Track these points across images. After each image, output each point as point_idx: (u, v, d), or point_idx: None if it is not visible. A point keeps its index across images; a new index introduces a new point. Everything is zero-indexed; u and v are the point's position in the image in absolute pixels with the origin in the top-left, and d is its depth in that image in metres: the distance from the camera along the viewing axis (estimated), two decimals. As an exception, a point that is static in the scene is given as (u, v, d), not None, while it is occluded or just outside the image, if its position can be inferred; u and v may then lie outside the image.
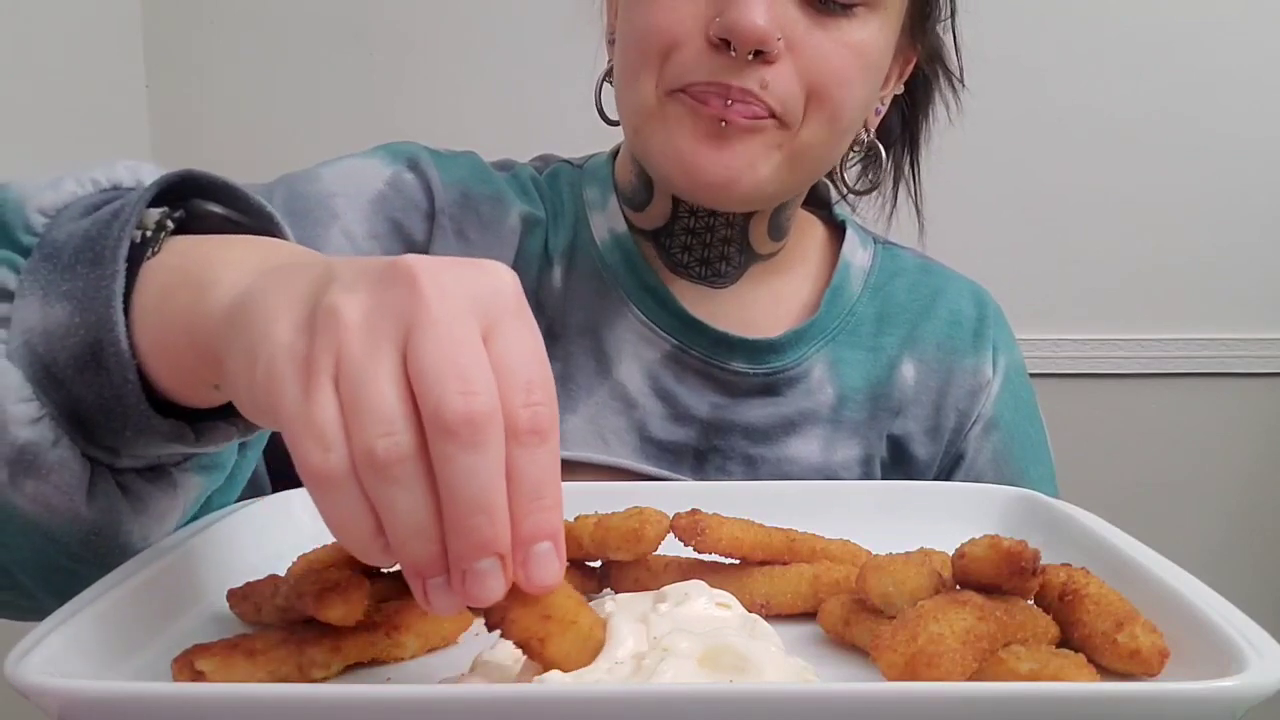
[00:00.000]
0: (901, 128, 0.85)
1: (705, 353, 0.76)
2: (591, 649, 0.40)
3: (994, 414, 0.81)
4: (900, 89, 0.80)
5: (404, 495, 0.35)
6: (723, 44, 0.65)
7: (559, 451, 0.37)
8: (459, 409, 0.34)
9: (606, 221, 0.78)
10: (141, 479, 0.50)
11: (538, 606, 0.38)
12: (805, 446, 0.77)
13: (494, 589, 0.36)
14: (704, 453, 0.76)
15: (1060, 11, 1.68)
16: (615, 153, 0.82)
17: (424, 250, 0.75)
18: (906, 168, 0.86)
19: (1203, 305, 1.75)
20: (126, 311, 0.45)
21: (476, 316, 0.36)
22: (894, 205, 0.87)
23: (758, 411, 0.77)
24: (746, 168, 0.68)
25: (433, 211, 0.76)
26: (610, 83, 0.76)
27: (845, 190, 0.86)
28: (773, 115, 0.67)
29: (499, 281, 0.38)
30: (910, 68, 0.79)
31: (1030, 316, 1.73)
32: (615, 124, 0.77)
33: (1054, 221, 1.73)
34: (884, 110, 0.79)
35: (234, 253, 0.44)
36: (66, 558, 0.48)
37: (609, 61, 0.78)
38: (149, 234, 0.45)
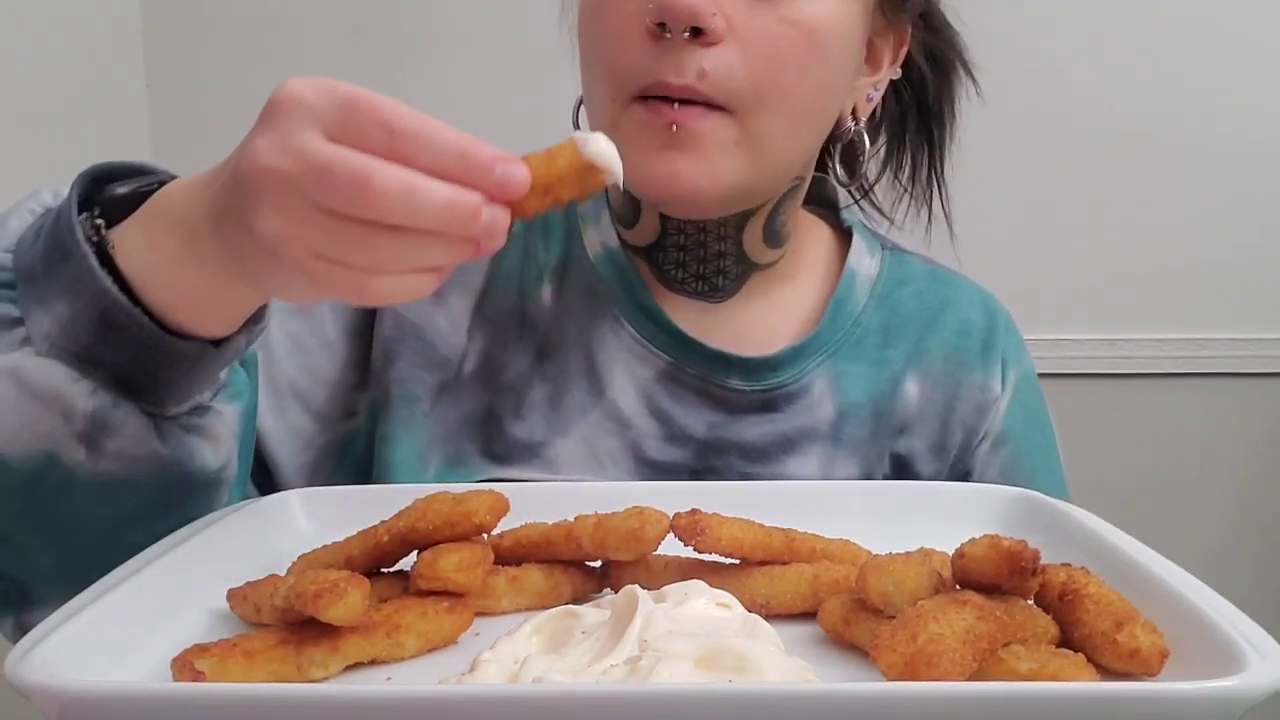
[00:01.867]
0: (919, 125, 0.81)
1: (701, 370, 0.74)
2: (581, 164, 0.45)
3: (1003, 429, 0.78)
4: (897, 74, 0.76)
5: (402, 254, 0.44)
6: (659, 29, 0.63)
7: (425, 119, 0.44)
8: (364, 205, 0.42)
9: (599, 235, 0.77)
10: (193, 417, 0.57)
11: (535, 188, 0.44)
12: (804, 465, 0.74)
13: (500, 226, 0.44)
14: (700, 473, 0.74)
15: (1064, 10, 1.68)
16: None
17: None
18: (926, 170, 0.82)
19: (1203, 305, 1.75)
20: (122, 282, 0.51)
21: (317, 132, 0.43)
22: (929, 209, 0.83)
23: (755, 429, 0.74)
24: (705, 173, 0.65)
25: None
26: None
27: (858, 193, 0.83)
28: (721, 108, 0.64)
29: (284, 104, 0.44)
30: (904, 50, 0.75)
31: (1030, 316, 1.72)
32: None
33: (1054, 221, 1.73)
34: (876, 97, 0.76)
35: (174, 230, 0.50)
36: (146, 508, 0.56)
37: None
38: (93, 239, 0.52)
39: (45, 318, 0.52)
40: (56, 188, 0.58)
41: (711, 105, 0.64)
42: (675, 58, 0.63)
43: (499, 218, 0.44)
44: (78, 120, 1.57)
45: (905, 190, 0.84)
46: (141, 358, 0.52)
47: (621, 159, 0.66)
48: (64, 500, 0.53)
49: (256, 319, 0.56)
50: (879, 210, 0.86)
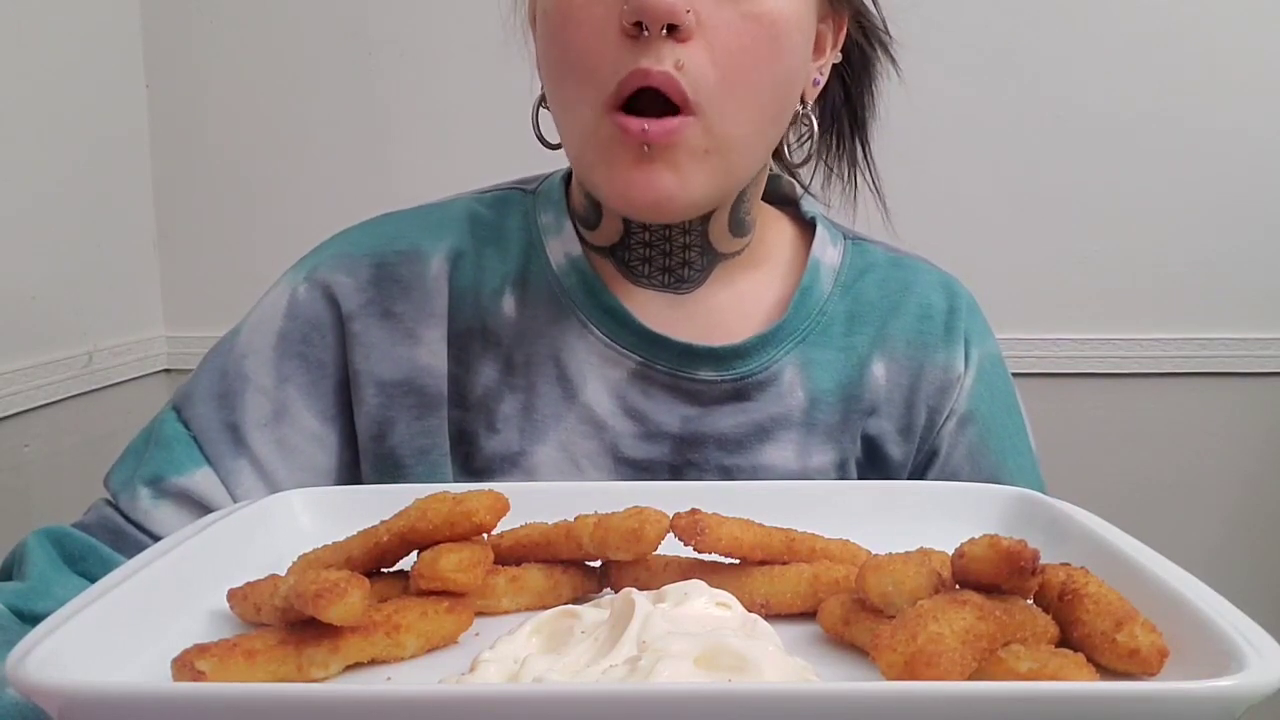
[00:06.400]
0: (844, 102, 0.83)
1: (671, 365, 0.75)
2: None
3: (968, 408, 0.79)
4: (839, 58, 0.78)
5: None
6: (636, 28, 0.65)
7: None
8: None
9: (562, 246, 0.77)
10: None
11: None
12: (779, 453, 0.76)
13: None
14: (678, 468, 0.75)
15: (1061, 8, 1.68)
16: (569, 175, 0.81)
17: (339, 365, 0.76)
18: (859, 150, 0.84)
19: (1203, 305, 1.75)
20: None
21: None
22: (855, 188, 0.85)
23: (729, 420, 0.75)
24: (678, 185, 0.67)
25: (340, 317, 0.75)
26: (546, 108, 0.74)
27: (785, 166, 0.84)
28: (690, 111, 0.66)
29: None
30: (843, 34, 0.77)
31: (1029, 315, 1.73)
32: (554, 147, 0.75)
33: (1055, 220, 1.73)
34: (822, 81, 0.77)
35: None
36: None
37: (543, 87, 0.75)
38: None
39: None
40: None
41: (683, 111, 0.66)
42: (654, 49, 0.65)
43: None
44: (78, 120, 1.57)
45: (833, 170, 0.85)
46: None
47: (597, 170, 0.68)
48: None
49: None
50: (808, 191, 0.86)
